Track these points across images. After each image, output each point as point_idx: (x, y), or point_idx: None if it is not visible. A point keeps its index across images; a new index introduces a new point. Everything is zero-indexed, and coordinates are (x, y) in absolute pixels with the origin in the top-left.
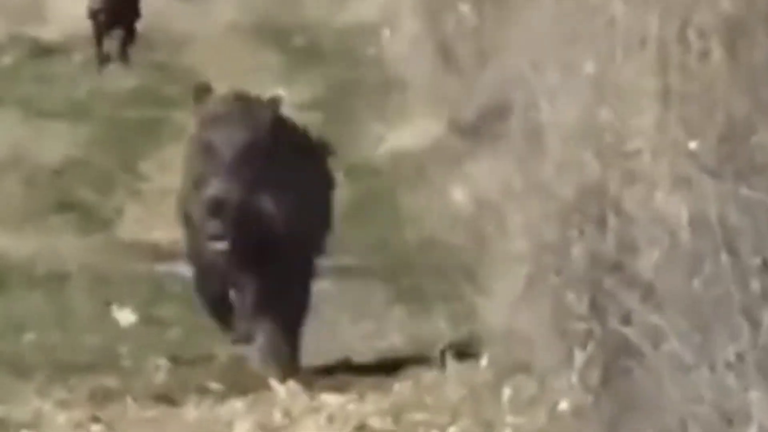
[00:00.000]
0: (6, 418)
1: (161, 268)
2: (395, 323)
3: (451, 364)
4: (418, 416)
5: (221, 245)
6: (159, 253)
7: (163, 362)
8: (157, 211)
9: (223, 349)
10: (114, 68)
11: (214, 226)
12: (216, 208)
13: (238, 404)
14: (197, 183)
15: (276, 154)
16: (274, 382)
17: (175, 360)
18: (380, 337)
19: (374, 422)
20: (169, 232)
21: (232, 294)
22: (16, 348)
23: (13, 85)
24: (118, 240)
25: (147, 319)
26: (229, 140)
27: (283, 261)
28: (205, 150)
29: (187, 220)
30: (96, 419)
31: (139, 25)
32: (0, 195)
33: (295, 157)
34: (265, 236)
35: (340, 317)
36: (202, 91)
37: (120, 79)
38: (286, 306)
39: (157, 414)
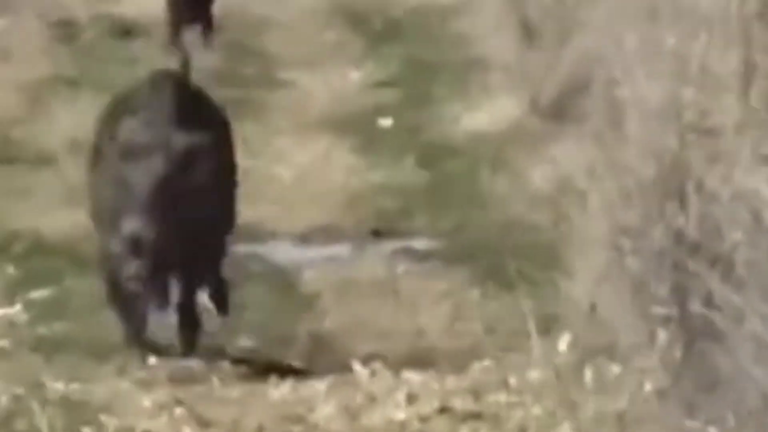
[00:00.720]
0: (87, 399)
1: (242, 249)
2: (476, 304)
3: (534, 344)
4: (501, 397)
5: (139, 287)
6: (240, 235)
7: (246, 342)
8: (239, 195)
9: (305, 331)
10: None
11: (133, 266)
12: (135, 246)
13: (319, 384)
14: (112, 217)
15: (190, 178)
16: (355, 363)
17: (257, 339)
18: (462, 317)
19: (455, 402)
20: (249, 212)
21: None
22: (97, 328)
23: (93, 66)
24: None
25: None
26: (143, 176)
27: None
28: (119, 183)
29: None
30: (179, 401)
31: (217, 9)
32: (80, 176)
33: (207, 166)
34: (180, 266)
35: (422, 299)
36: None
37: (200, 60)
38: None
39: (240, 394)
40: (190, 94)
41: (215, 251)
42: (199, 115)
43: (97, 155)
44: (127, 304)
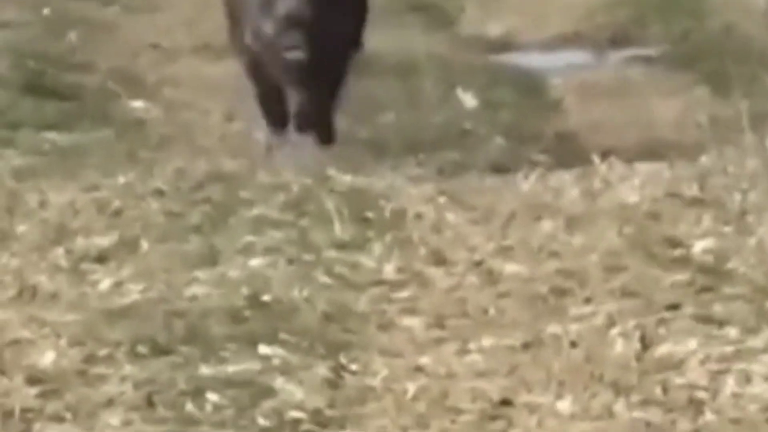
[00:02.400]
0: (367, 188)
1: (495, 58)
2: (699, 103)
3: (749, 137)
4: (721, 182)
5: (298, 54)
6: (494, 45)
7: (499, 139)
8: (492, 10)
9: (551, 128)
10: None
11: (290, 37)
12: (291, 21)
13: (564, 175)
14: (265, 5)
15: None
16: (594, 155)
17: (509, 137)
18: (686, 115)
19: (683, 188)
20: (503, 26)
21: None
22: (375, 128)
23: None
24: (460, 34)
25: (485, 103)
26: None
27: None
28: None
29: (254, 42)
30: (442, 191)
31: None
32: None
33: None
34: (333, 50)
35: (649, 99)
36: None
37: None
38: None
39: (494, 184)
40: None
41: (345, 56)
42: None
43: None
44: (272, 87)
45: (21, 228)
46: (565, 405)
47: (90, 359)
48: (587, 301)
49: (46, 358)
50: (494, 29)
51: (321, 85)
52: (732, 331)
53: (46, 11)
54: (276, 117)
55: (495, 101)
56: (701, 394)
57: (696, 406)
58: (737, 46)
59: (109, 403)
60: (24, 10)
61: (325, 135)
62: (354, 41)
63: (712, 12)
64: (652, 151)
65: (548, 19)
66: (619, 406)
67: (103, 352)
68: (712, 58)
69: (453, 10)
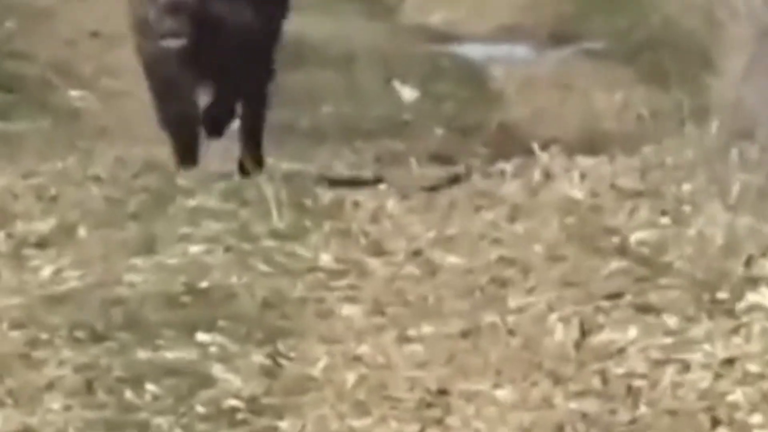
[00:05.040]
0: (304, 171)
1: (437, 48)
2: (640, 97)
3: (688, 130)
4: (661, 174)
5: (177, 42)
6: (436, 36)
7: (440, 131)
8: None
9: (493, 120)
10: None
11: (169, 23)
12: (172, 7)
13: (506, 166)
14: None
15: None
16: (536, 147)
17: (449, 128)
18: (627, 107)
19: (622, 181)
20: (445, 16)
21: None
22: (313, 119)
23: None
24: (401, 24)
25: (426, 94)
26: None
27: (242, 65)
28: None
29: (142, 32)
30: (381, 179)
31: None
32: None
33: None
34: (222, 40)
35: (591, 92)
36: None
37: None
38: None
39: (436, 174)
40: None
41: (255, 61)
42: None
43: None
44: (165, 82)
45: None
46: (503, 393)
47: (31, 343)
48: (528, 291)
49: None
50: (435, 19)
51: (222, 83)
52: (670, 321)
53: None
54: (184, 147)
55: (436, 92)
56: (639, 383)
57: (634, 396)
58: (678, 41)
59: (50, 387)
60: None
61: (255, 159)
62: (271, 35)
63: (653, 7)
64: (593, 144)
65: (490, 9)
66: (558, 396)
67: (43, 336)
68: (653, 52)
69: None
